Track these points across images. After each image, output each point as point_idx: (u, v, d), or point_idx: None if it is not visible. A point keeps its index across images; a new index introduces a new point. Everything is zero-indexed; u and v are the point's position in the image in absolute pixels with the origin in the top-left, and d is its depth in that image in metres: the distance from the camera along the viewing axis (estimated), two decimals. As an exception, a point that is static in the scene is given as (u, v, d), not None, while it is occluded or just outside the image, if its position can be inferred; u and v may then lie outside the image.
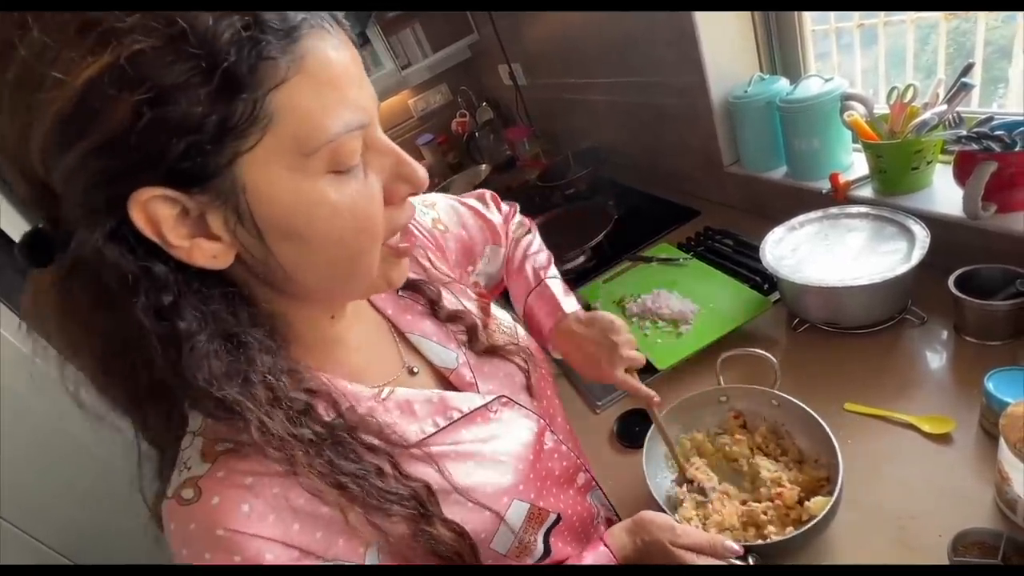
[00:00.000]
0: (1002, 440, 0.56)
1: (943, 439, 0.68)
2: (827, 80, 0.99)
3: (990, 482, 0.61)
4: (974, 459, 0.65)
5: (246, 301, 0.39)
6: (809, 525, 0.58)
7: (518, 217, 0.81)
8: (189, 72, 0.29)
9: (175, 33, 0.29)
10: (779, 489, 0.66)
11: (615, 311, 1.10)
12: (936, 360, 0.79)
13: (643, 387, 0.69)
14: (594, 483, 0.65)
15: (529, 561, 0.52)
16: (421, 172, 0.40)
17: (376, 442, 0.42)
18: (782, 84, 1.08)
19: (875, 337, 0.85)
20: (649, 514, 0.57)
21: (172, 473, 0.40)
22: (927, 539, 0.60)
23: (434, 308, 0.56)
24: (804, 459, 0.71)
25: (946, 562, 0.56)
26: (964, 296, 0.74)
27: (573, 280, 1.33)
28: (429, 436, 0.47)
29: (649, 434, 0.74)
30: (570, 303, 0.74)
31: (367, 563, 0.41)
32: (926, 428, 0.70)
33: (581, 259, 1.37)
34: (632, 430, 0.88)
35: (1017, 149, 0.73)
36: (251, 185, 0.33)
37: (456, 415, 0.49)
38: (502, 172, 2.17)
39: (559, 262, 1.37)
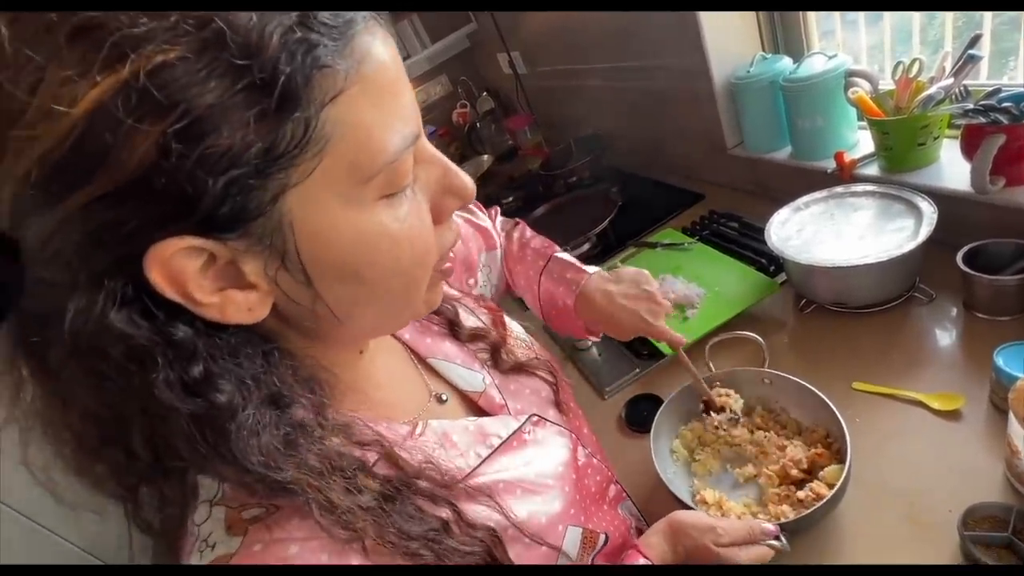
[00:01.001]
0: (1011, 414, 0.56)
1: (952, 415, 0.68)
2: (831, 57, 0.97)
3: (1000, 457, 0.61)
4: (984, 434, 0.65)
5: (285, 355, 0.33)
6: (833, 491, 0.58)
7: (501, 219, 0.79)
8: (230, 89, 0.23)
9: (210, 37, 0.22)
10: (787, 451, 0.67)
11: (621, 297, 1.10)
12: (945, 337, 0.79)
13: (676, 333, 0.68)
14: (624, 495, 0.63)
15: None
16: (470, 183, 0.35)
17: (435, 489, 0.37)
18: (785, 63, 1.07)
19: (883, 316, 0.84)
20: (683, 516, 0.54)
21: (183, 557, 0.32)
22: (937, 515, 0.60)
23: (453, 328, 0.51)
24: (802, 430, 0.71)
25: (955, 537, 0.56)
26: (973, 272, 0.74)
27: (578, 268, 1.33)
28: (474, 469, 0.41)
29: (657, 417, 0.74)
30: (588, 267, 0.69)
31: None
32: (935, 405, 0.69)
33: (586, 247, 1.37)
34: (640, 414, 0.88)
35: (1025, 121, 0.72)
36: (300, 223, 0.27)
37: (496, 441, 0.44)
38: (504, 162, 2.17)
39: (563, 251, 1.37)
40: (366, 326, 0.36)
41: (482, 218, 0.73)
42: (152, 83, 0.21)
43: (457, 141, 2.32)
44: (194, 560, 0.32)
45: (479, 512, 0.39)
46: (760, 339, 0.80)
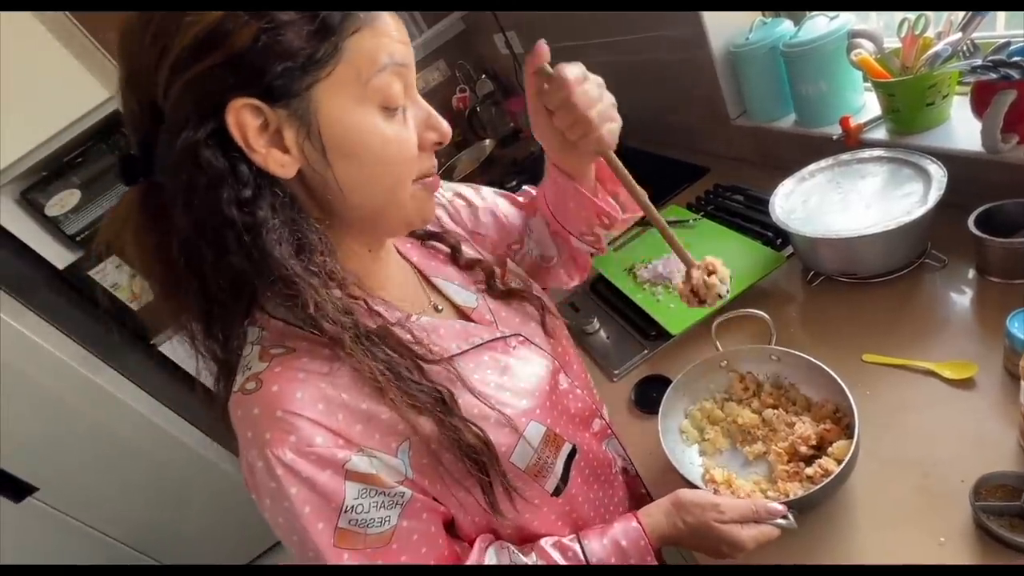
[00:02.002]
0: (1023, 383, 0.55)
1: (965, 384, 0.67)
2: (832, 18, 0.94)
3: (1015, 425, 0.60)
4: (998, 403, 0.64)
5: (313, 204, 0.45)
6: (840, 467, 0.58)
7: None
8: (300, 15, 0.38)
9: None
10: (796, 427, 0.67)
11: (626, 279, 1.10)
12: (958, 304, 0.77)
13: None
14: (610, 431, 0.67)
15: (548, 482, 0.55)
16: (446, 125, 0.48)
17: (404, 347, 0.47)
18: (786, 27, 1.03)
19: (893, 284, 0.82)
20: (687, 494, 0.57)
21: (233, 378, 0.46)
22: (950, 485, 0.59)
23: (455, 255, 0.62)
24: (812, 406, 0.71)
25: (968, 508, 0.55)
26: (985, 235, 0.71)
27: (584, 250, 1.32)
28: (452, 356, 0.51)
29: (665, 398, 0.75)
30: None
31: (398, 457, 0.46)
32: (947, 374, 0.68)
33: (591, 228, 1.36)
34: (649, 396, 0.88)
35: (1038, 74, 0.69)
36: (322, 107, 0.41)
37: (477, 340, 0.54)
38: (507, 145, 2.14)
39: (568, 233, 1.36)
40: (358, 204, 0.46)
41: (518, 196, 0.76)
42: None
43: (458, 127, 2.29)
44: (239, 376, 0.46)
45: (441, 379, 0.48)
46: (767, 316, 0.79)
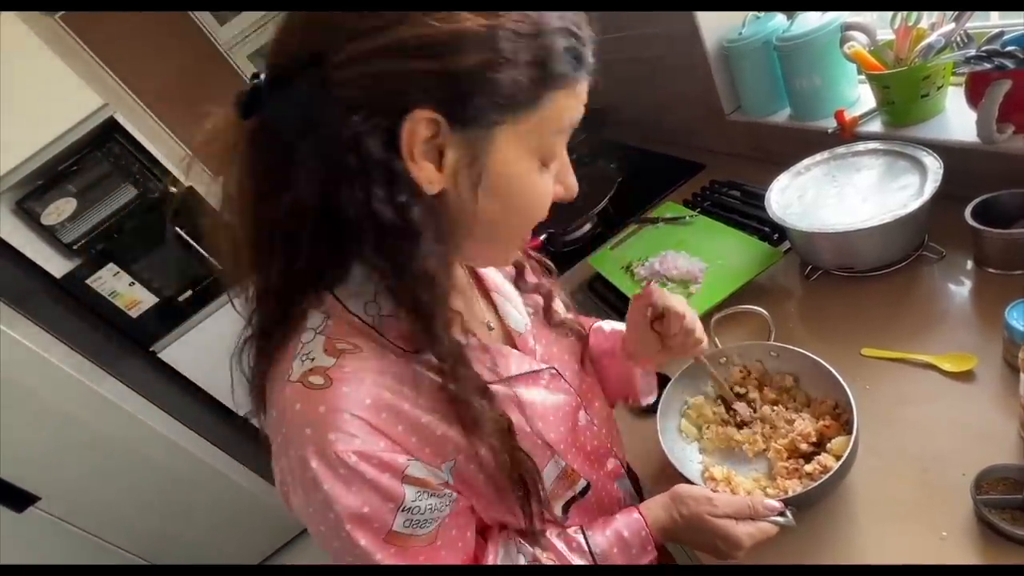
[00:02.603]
0: (1022, 375, 0.54)
1: (965, 376, 0.67)
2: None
3: (1015, 417, 0.60)
4: (998, 395, 0.63)
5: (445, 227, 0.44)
6: (838, 464, 0.58)
7: None
8: (523, 57, 0.37)
9: (530, 29, 0.37)
10: (796, 424, 0.67)
11: (623, 277, 1.09)
12: (956, 296, 0.77)
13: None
14: (622, 471, 0.66)
15: (554, 511, 0.56)
16: (575, 182, 0.48)
17: (474, 371, 0.48)
18: (778, 21, 1.02)
19: (891, 278, 0.82)
20: (684, 488, 0.58)
21: (285, 358, 0.45)
22: (951, 479, 0.59)
23: (519, 276, 0.63)
24: (812, 402, 0.70)
25: (970, 502, 0.55)
26: (982, 227, 0.71)
27: (581, 249, 1.32)
28: (497, 381, 0.51)
29: (663, 397, 0.74)
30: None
31: (443, 473, 0.46)
32: (947, 367, 0.68)
33: (588, 227, 1.36)
34: (649, 395, 0.88)
35: (1032, 64, 0.68)
36: (497, 147, 0.40)
37: (515, 371, 0.54)
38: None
39: (564, 232, 1.36)
40: (483, 248, 0.47)
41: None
42: (494, 34, 0.36)
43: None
44: (295, 364, 0.44)
45: (502, 405, 0.49)
46: (765, 312, 0.79)
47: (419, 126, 0.37)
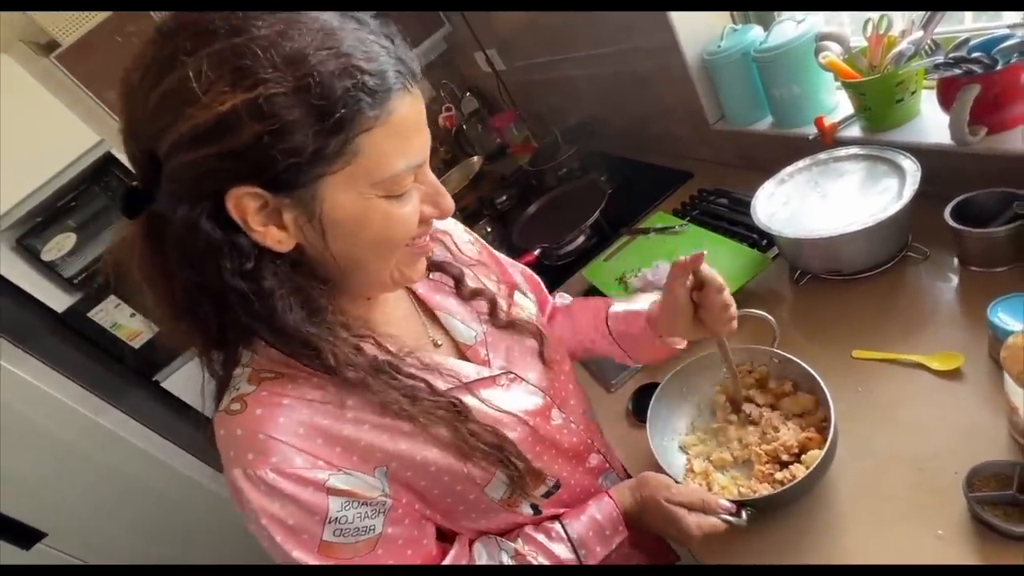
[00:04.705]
0: (1005, 372, 0.55)
1: (954, 375, 0.68)
2: (800, 21, 0.96)
3: (1003, 413, 0.61)
4: (986, 392, 0.65)
5: (308, 270, 0.47)
6: (805, 475, 0.60)
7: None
8: (306, 115, 0.38)
9: (302, 85, 0.37)
10: (780, 433, 0.68)
11: (617, 288, 1.11)
12: (941, 295, 0.78)
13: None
14: (608, 466, 0.68)
15: (521, 511, 0.59)
16: (449, 203, 0.49)
17: (414, 371, 0.51)
18: (756, 32, 1.05)
19: (878, 279, 0.83)
20: (650, 473, 0.62)
21: (223, 395, 0.49)
22: (945, 477, 0.60)
23: (458, 286, 0.63)
24: (804, 412, 0.71)
25: (964, 500, 0.56)
26: (961, 226, 0.73)
27: (575, 262, 1.34)
28: (447, 389, 0.54)
29: (652, 402, 0.76)
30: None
31: (375, 478, 0.49)
32: (935, 366, 0.69)
33: (581, 239, 1.37)
34: (646, 405, 0.88)
35: (999, 68, 0.70)
36: (327, 197, 0.42)
37: (465, 379, 0.56)
38: (495, 161, 2.16)
39: (558, 246, 1.37)
40: (360, 279, 0.49)
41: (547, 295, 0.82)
42: (265, 103, 0.37)
43: (446, 145, 2.32)
44: (226, 396, 0.48)
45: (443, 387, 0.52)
46: (771, 317, 0.78)
47: (244, 200, 0.40)
